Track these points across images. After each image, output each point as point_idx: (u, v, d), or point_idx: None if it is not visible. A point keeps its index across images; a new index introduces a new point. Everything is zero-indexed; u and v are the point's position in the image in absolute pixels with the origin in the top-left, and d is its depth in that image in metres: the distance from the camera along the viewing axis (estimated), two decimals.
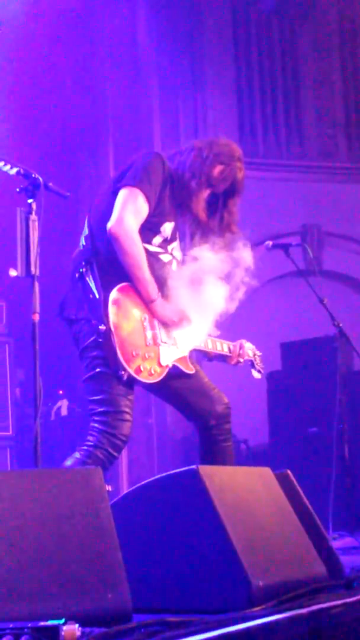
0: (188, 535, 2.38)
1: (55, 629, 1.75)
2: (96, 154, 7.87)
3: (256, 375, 3.97)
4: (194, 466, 2.45)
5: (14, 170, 3.08)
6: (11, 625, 1.74)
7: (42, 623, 1.76)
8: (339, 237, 8.78)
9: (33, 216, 3.05)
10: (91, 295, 3.29)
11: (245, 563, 2.26)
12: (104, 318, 3.22)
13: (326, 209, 8.50)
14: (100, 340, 3.23)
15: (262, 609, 2.16)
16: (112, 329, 3.21)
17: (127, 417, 3.33)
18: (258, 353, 3.95)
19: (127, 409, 3.32)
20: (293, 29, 9.15)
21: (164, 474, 2.55)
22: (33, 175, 3.08)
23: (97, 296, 3.27)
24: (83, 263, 3.37)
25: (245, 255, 3.44)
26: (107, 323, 3.21)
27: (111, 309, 3.23)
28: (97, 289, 3.29)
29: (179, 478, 2.48)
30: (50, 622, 1.76)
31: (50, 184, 3.13)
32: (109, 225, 3.28)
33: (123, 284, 3.31)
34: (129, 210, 3.29)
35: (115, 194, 3.35)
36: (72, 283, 3.41)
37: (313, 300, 4.84)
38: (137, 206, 3.31)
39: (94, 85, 7.79)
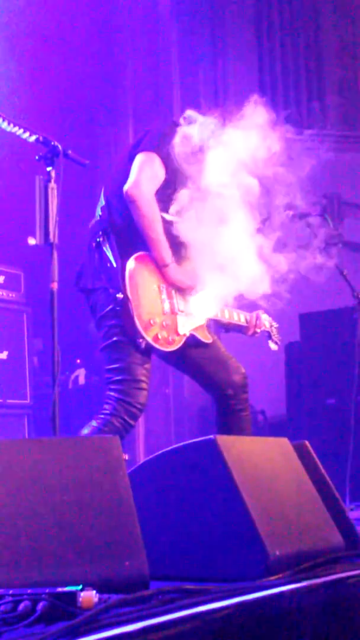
0: (205, 505, 2.38)
1: (73, 595, 1.76)
2: (116, 122, 7.81)
3: (273, 346, 3.97)
4: (211, 436, 2.45)
5: (33, 138, 3.07)
6: (29, 591, 1.75)
7: (59, 589, 1.77)
8: (359, 207, 8.69)
9: (52, 184, 3.04)
10: (108, 264, 3.29)
11: (262, 532, 2.27)
12: (121, 286, 3.21)
13: (347, 179, 8.41)
14: (118, 308, 3.23)
15: (278, 579, 2.17)
16: (130, 296, 3.20)
17: (144, 385, 3.33)
18: (275, 324, 3.94)
19: (143, 378, 3.33)
20: None
21: (181, 444, 2.55)
22: (52, 143, 3.07)
23: (115, 265, 3.27)
24: (100, 233, 3.36)
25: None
26: (124, 291, 3.21)
27: (128, 277, 3.23)
28: (114, 257, 3.28)
29: (197, 447, 2.48)
30: (67, 588, 1.77)
31: (70, 152, 3.11)
32: (126, 187, 3.26)
33: (140, 252, 3.30)
34: (146, 173, 3.28)
35: (131, 161, 3.34)
36: (89, 253, 3.41)
37: (333, 271, 4.80)
38: (153, 170, 3.30)
39: (113, 53, 7.72)
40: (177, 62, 8.04)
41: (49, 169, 3.06)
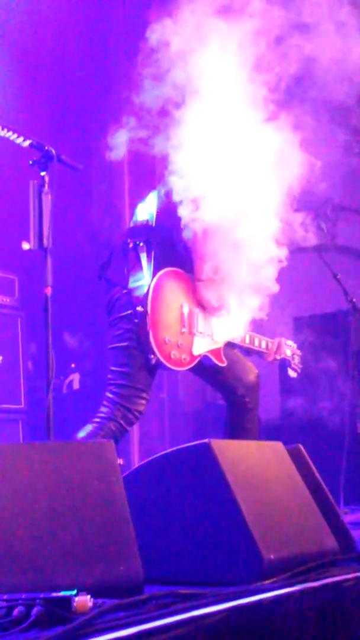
0: (200, 509, 2.38)
1: (67, 600, 1.75)
2: (109, 128, 7.80)
3: (292, 374, 3.99)
4: (206, 440, 2.45)
5: (26, 143, 3.07)
6: (23, 596, 1.75)
7: (54, 594, 1.76)
8: (353, 211, 8.70)
9: (46, 189, 3.04)
10: (140, 273, 3.30)
11: (257, 536, 2.27)
12: (143, 300, 3.22)
13: (341, 183, 8.42)
14: (136, 320, 3.24)
15: (273, 582, 2.17)
16: (150, 312, 3.20)
17: (145, 395, 3.35)
18: (298, 352, 3.96)
19: (146, 388, 3.34)
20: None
21: (176, 448, 2.55)
22: (46, 148, 3.07)
23: (145, 277, 3.27)
24: (142, 238, 3.35)
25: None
26: (145, 305, 3.21)
27: (153, 292, 3.23)
28: (149, 268, 3.29)
29: (191, 452, 2.48)
30: (62, 593, 1.77)
31: (63, 157, 3.11)
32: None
33: (169, 269, 3.30)
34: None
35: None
36: (122, 250, 3.39)
37: (327, 275, 4.81)
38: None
39: (107, 58, 7.72)
40: None
41: (42, 173, 3.06)
